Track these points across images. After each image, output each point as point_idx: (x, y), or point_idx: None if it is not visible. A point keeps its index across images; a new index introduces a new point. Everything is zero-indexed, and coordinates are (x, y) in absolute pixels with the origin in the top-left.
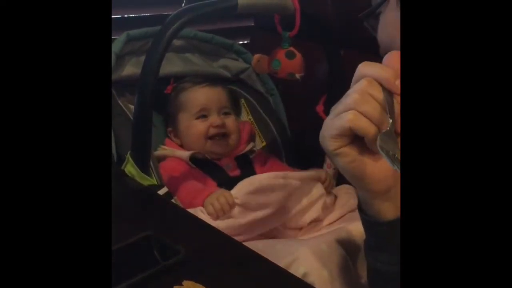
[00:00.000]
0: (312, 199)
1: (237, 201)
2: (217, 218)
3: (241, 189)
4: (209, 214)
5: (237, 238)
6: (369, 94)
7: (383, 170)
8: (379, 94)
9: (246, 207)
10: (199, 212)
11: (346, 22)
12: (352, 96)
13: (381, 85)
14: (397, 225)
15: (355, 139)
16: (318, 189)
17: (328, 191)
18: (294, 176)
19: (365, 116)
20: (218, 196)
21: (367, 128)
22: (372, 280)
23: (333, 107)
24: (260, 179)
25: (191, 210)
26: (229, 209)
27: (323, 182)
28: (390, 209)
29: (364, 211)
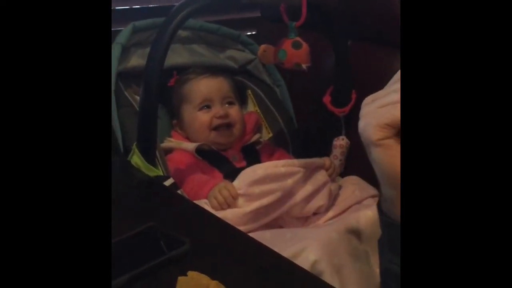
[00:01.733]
0: (317, 185)
1: (240, 191)
2: (221, 207)
3: (243, 180)
4: (213, 207)
5: (243, 227)
6: None
7: None
8: None
9: (250, 196)
10: (204, 205)
11: (353, 13)
12: None
13: None
14: None
15: (398, 134)
16: (322, 176)
17: (333, 179)
18: (295, 163)
19: None
20: (221, 189)
21: None
22: (385, 281)
23: (376, 96)
24: (262, 168)
25: (196, 202)
26: (232, 201)
27: (327, 169)
28: None
29: (384, 213)
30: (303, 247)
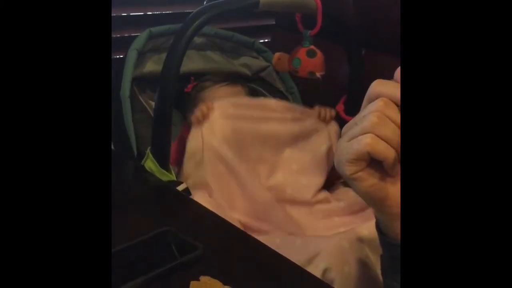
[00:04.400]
0: (305, 128)
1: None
2: (198, 122)
3: (223, 101)
4: (194, 121)
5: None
6: (386, 116)
7: None
8: (397, 116)
9: (226, 115)
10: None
11: (367, 22)
12: (369, 118)
13: (397, 105)
14: None
15: (372, 162)
16: (313, 122)
17: (327, 122)
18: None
19: (383, 139)
20: (201, 106)
21: (386, 152)
22: None
23: (347, 128)
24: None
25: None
26: (207, 112)
27: (321, 118)
28: None
29: (383, 233)
30: (314, 255)
